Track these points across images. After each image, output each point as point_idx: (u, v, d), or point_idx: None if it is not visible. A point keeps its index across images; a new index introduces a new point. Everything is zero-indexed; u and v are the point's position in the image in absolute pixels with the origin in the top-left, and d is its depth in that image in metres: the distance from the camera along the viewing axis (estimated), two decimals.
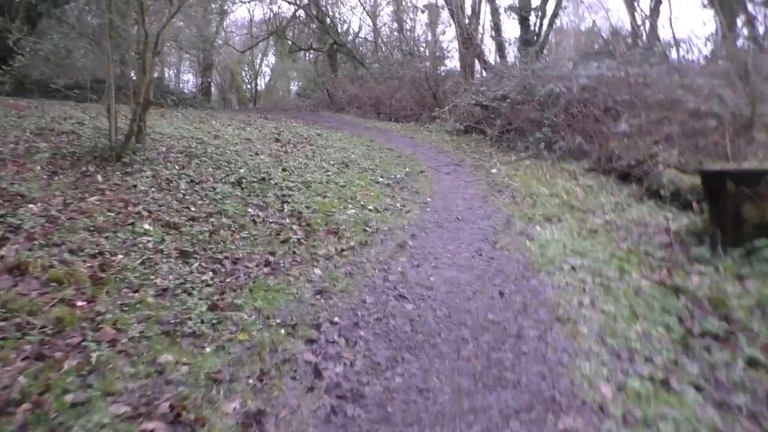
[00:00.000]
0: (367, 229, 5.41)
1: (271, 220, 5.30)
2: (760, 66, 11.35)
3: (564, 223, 5.86)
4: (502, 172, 8.97)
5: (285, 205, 5.78)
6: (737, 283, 4.39)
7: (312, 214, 5.61)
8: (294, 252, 4.62)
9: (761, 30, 16.04)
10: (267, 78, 32.12)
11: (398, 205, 6.47)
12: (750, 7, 16.59)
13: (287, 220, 5.36)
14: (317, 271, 4.28)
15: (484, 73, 19.04)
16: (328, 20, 24.68)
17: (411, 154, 10.70)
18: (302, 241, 4.92)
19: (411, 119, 17.19)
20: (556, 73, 11.89)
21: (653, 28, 18.01)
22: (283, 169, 7.44)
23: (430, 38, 24.08)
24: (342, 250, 4.78)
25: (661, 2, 17.50)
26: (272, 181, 6.59)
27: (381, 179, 7.72)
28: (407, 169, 8.68)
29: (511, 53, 20.81)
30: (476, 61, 19.76)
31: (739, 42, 15.24)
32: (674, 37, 22.90)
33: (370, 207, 6.21)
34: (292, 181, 6.77)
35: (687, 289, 4.28)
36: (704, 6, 16.79)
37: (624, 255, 4.94)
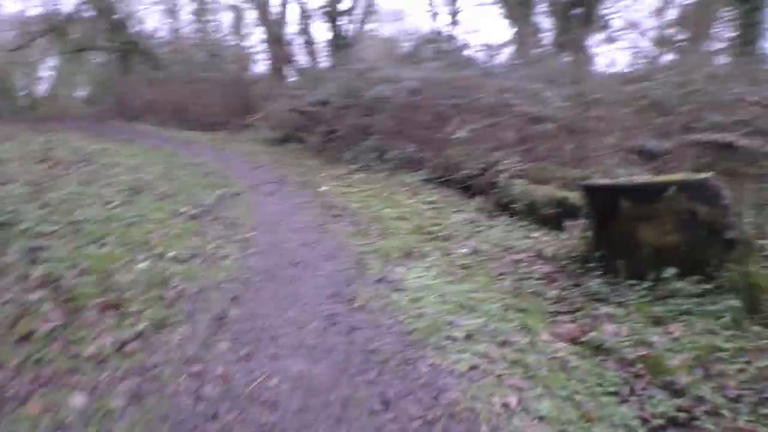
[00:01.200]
0: (166, 295, 3.67)
1: (4, 299, 3.34)
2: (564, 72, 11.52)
3: (428, 258, 4.65)
4: (334, 189, 7.63)
5: (35, 267, 3.80)
6: (658, 328, 3.49)
7: (79, 278, 3.73)
8: (40, 359, 2.78)
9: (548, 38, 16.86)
10: (49, 82, 27.45)
11: (210, 247, 4.78)
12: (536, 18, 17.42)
13: (36, 295, 3.43)
14: (77, 399, 2.50)
15: (296, 77, 17.70)
16: (117, 16, 21.44)
17: (222, 170, 8.91)
18: (59, 331, 3.06)
19: (220, 128, 15.19)
20: (381, 74, 10.88)
21: (453, 35, 18.17)
22: (43, 205, 5.31)
23: (235, 40, 22.12)
24: (124, 342, 3.02)
25: (459, 11, 17.65)
26: (19, 227, 4.51)
27: (185, 208, 5.91)
28: (219, 192, 6.94)
29: (323, 56, 19.70)
30: (287, 64, 18.33)
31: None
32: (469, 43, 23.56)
33: (171, 255, 4.44)
34: (53, 223, 4.73)
35: (609, 347, 3.26)
36: (501, 16, 17.25)
37: (515, 301, 3.84)
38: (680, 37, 16.34)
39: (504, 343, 3.16)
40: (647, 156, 7.66)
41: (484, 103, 9.36)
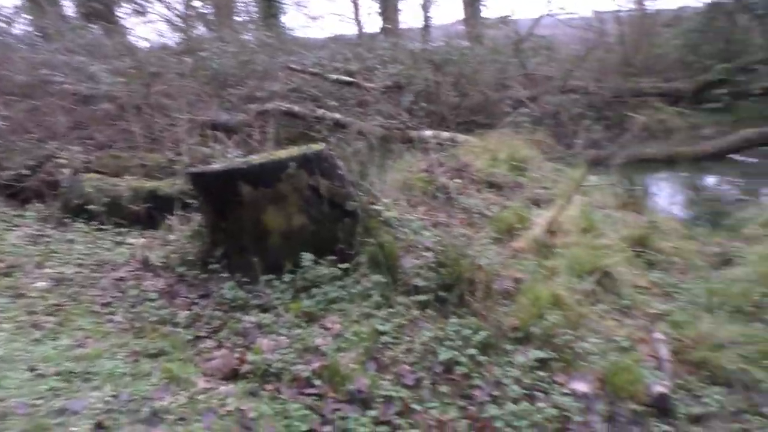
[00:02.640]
0: None
1: None
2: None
3: None
4: None
5: None
6: (316, 327, 3.07)
7: None
8: None
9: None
10: None
11: None
12: None
13: None
14: None
15: None
16: None
17: None
18: None
19: None
20: None
21: None
22: None
23: None
24: None
25: None
26: None
27: None
28: None
29: None
30: None
31: None
32: None
33: None
34: None
35: (277, 369, 2.68)
36: None
37: (142, 342, 2.88)
38: (206, 10, 16.41)
39: (154, 418, 2.22)
40: (223, 130, 7.25)
41: (17, 82, 7.39)
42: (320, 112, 8.49)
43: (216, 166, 3.68)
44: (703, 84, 10.67)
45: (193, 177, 3.69)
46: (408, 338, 2.98)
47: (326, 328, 3.05)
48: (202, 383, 2.51)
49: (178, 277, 3.74)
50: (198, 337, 3.03)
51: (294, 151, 3.67)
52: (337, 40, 12.86)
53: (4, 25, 11.33)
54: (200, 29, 14.81)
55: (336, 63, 10.37)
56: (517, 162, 6.49)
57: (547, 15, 12.10)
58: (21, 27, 12.40)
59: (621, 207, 5.24)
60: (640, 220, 4.83)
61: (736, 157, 8.10)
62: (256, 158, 3.69)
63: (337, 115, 8.21)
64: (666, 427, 2.49)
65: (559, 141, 8.52)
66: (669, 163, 7.74)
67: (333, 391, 2.56)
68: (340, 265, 3.45)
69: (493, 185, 5.83)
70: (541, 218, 4.63)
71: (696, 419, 2.56)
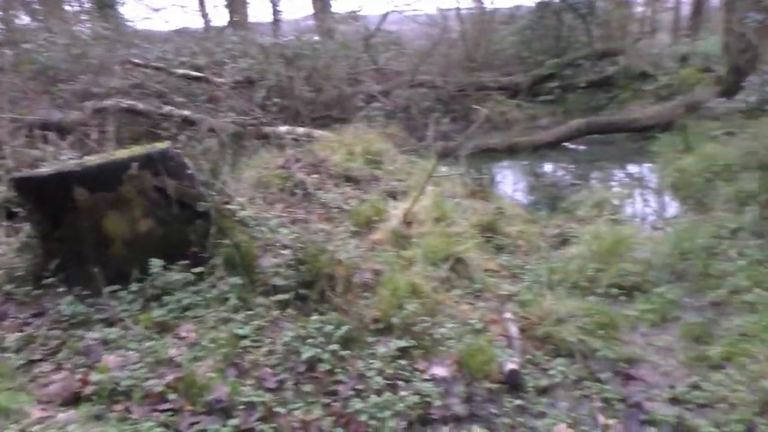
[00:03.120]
0: None
1: None
2: None
3: None
4: None
5: None
6: (170, 338, 2.89)
7: None
8: None
9: None
10: None
11: None
12: None
13: None
14: None
15: None
16: None
17: None
18: None
19: None
20: None
21: None
22: None
23: None
24: None
25: None
26: None
27: None
28: None
29: None
30: None
31: None
32: None
33: None
34: None
35: (126, 387, 2.48)
36: None
37: None
38: None
39: None
40: (56, 130, 6.59)
41: None
42: (167, 108, 8.01)
43: (45, 169, 3.31)
44: (537, 78, 11.55)
45: (18, 183, 3.29)
46: (269, 340, 2.91)
47: (181, 338, 2.89)
48: (37, 412, 2.25)
49: (5, 296, 3.33)
50: (32, 362, 2.72)
51: (137, 150, 3.41)
52: (182, 33, 12.20)
53: None
54: (24, 19, 13.35)
55: (182, 57, 9.85)
56: (372, 155, 6.59)
57: (394, 11, 12.42)
58: None
59: (470, 195, 5.51)
60: (488, 207, 5.11)
61: (569, 145, 8.87)
62: (93, 159, 3.38)
63: (186, 112, 7.80)
64: (517, 401, 2.65)
65: (411, 134, 8.80)
66: (511, 152, 8.29)
67: (190, 403, 2.42)
68: (193, 270, 3.27)
69: (351, 179, 5.87)
70: (397, 210, 4.74)
71: (543, 391, 2.76)
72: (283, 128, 7.88)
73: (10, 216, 4.04)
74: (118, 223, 3.29)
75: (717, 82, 8.83)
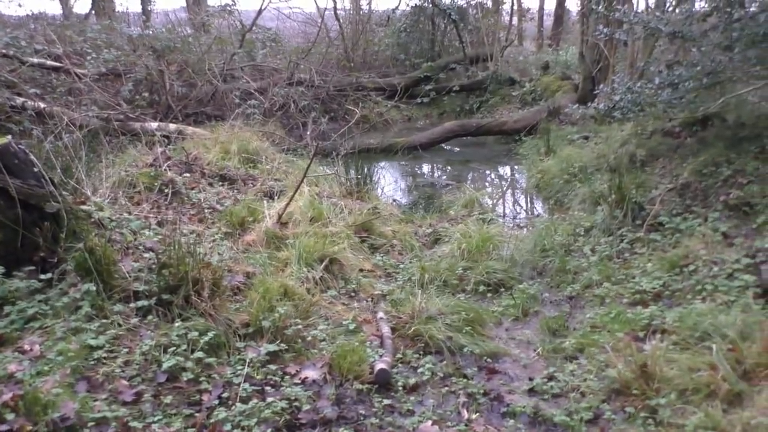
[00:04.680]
0: None
1: None
2: None
3: None
4: None
5: None
6: (10, 352, 2.60)
7: None
8: None
9: None
10: None
11: None
12: None
13: None
14: None
15: None
16: None
17: None
18: None
19: None
20: None
21: None
22: None
23: None
24: None
25: None
26: None
27: None
28: None
29: None
30: None
31: None
32: None
33: None
34: None
35: None
36: None
37: None
38: None
39: None
40: None
41: None
42: (19, 101, 7.28)
43: None
44: (413, 80, 11.82)
45: None
46: (126, 350, 2.71)
47: (23, 351, 2.61)
48: None
49: None
50: None
51: None
52: (38, 19, 11.14)
53: None
54: None
55: (37, 45, 9.01)
56: (249, 154, 6.41)
57: (272, 7, 12.15)
58: None
59: (347, 195, 5.51)
60: (364, 208, 5.14)
61: (444, 146, 9.16)
62: None
63: (42, 105, 7.13)
64: (387, 401, 2.66)
65: (289, 133, 8.67)
66: (388, 152, 8.41)
67: (31, 423, 2.19)
68: (41, 276, 2.98)
69: (225, 178, 5.67)
70: (272, 210, 4.64)
71: (412, 389, 2.79)
72: (153, 124, 7.45)
73: None
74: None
75: (575, 89, 9.50)
